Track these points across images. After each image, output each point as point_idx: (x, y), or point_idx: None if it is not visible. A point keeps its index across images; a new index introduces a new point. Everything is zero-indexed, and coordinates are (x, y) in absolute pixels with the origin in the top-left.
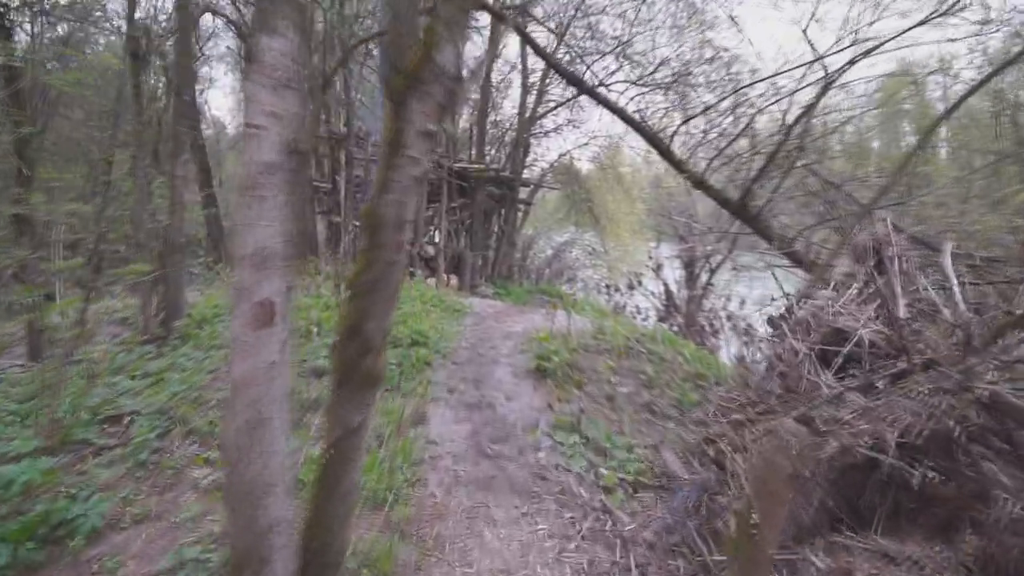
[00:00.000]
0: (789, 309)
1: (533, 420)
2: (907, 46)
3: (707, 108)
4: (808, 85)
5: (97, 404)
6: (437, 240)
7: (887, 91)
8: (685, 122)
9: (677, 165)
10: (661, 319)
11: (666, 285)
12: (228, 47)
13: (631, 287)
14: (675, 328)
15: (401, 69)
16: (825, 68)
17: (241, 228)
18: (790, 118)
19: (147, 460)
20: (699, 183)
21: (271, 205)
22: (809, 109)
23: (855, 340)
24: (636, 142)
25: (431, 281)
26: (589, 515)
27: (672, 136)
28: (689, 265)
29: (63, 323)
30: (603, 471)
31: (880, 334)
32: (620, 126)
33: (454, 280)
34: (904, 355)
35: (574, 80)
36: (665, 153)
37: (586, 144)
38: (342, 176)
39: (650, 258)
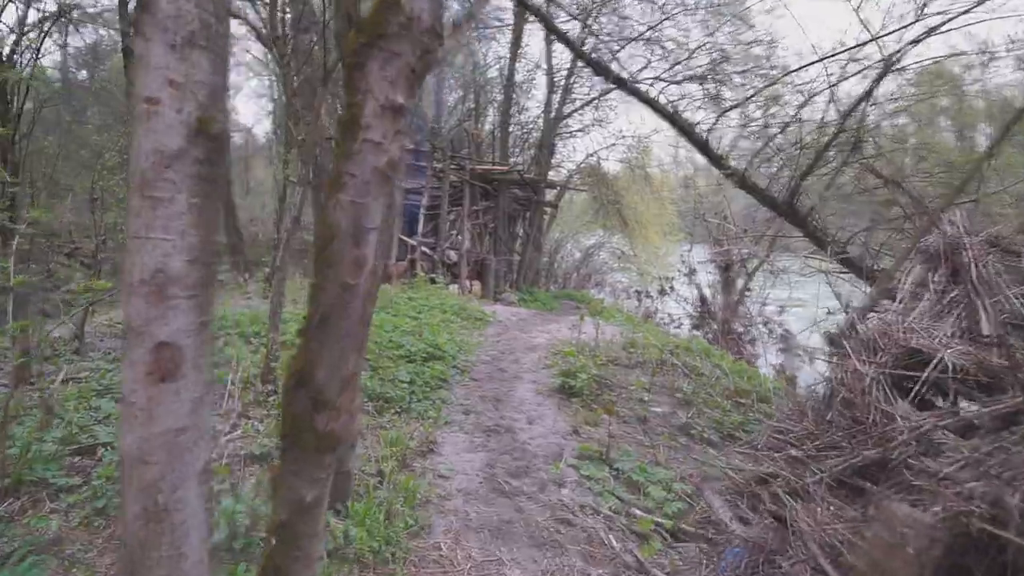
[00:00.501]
0: (850, 324)
1: (557, 448)
2: (979, 21)
3: (748, 98)
4: (865, 69)
5: (65, 435)
6: (460, 245)
7: (943, 78)
8: (725, 112)
9: (717, 161)
10: (695, 327)
11: (700, 291)
12: (250, 52)
13: (662, 293)
14: (710, 336)
15: (357, 20)
16: (882, 50)
17: (131, 243)
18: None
19: (108, 506)
20: (742, 181)
21: (171, 210)
22: (866, 95)
23: (937, 364)
24: (667, 141)
25: (454, 288)
26: (621, 575)
27: (709, 130)
28: (724, 269)
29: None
30: (636, 512)
31: (968, 356)
32: (649, 125)
33: (477, 286)
34: (1019, 387)
35: (602, 70)
36: (703, 148)
37: (614, 145)
38: None
39: (683, 262)
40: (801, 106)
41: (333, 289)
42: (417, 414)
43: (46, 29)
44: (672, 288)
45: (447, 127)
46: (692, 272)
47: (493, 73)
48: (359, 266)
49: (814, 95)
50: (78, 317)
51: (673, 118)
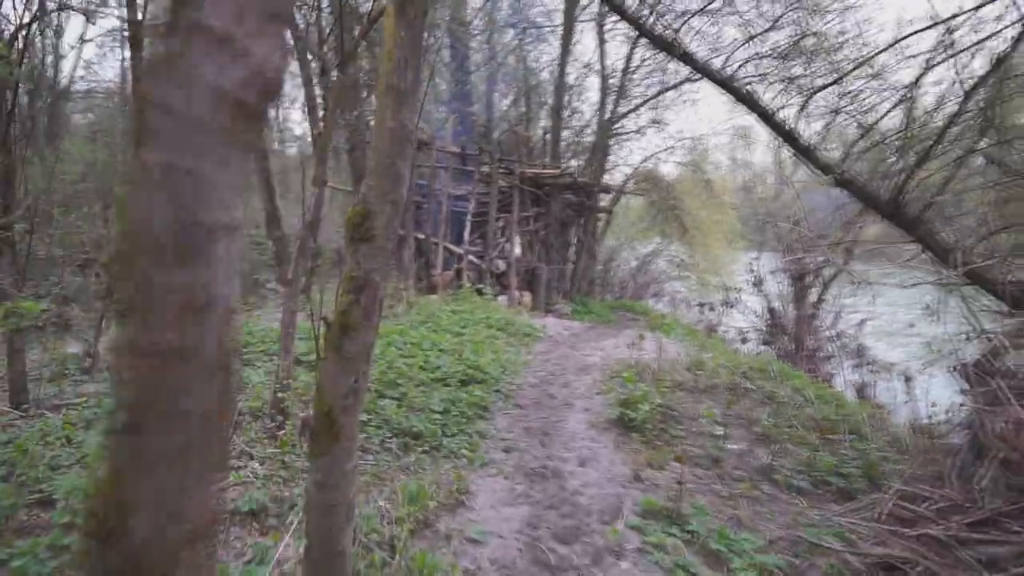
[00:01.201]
0: (992, 354)
1: (614, 501)
2: None
3: (843, 76)
4: (1000, 30)
5: (30, 477)
6: (509, 253)
7: None
8: (816, 92)
9: (805, 153)
10: (765, 342)
11: (769, 302)
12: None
13: (728, 304)
14: (781, 353)
15: None
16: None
17: None
18: (964, 84)
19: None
20: (839, 177)
21: None
22: (997, 66)
23: None
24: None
25: (502, 299)
26: None
27: (801, 111)
28: (798, 279)
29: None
30: None
31: None
32: (709, 124)
33: (527, 297)
34: None
35: (666, 45)
36: (788, 138)
37: (671, 147)
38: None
39: (750, 271)
40: (916, 80)
41: (144, 360)
42: (449, 452)
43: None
44: (739, 299)
45: (497, 130)
46: (760, 282)
47: (545, 76)
48: (192, 310)
49: (928, 69)
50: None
51: (750, 101)
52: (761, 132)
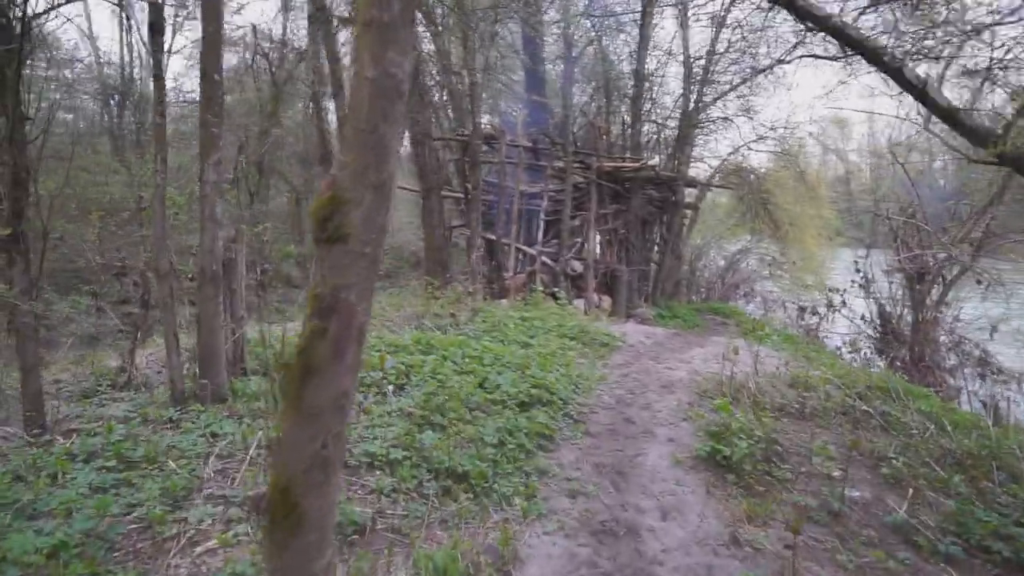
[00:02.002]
0: None
1: (705, 573)
2: None
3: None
4: None
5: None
6: (586, 254)
7: None
8: (967, 38)
9: (950, 117)
10: (879, 351)
11: (881, 306)
12: None
13: (831, 307)
14: (896, 363)
15: None
16: None
17: None
18: None
19: None
20: (1005, 149)
21: None
22: None
23: None
24: (819, 130)
25: (579, 303)
26: None
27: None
28: (916, 279)
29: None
30: None
31: None
32: (802, 112)
33: (607, 301)
34: None
35: None
36: (926, 99)
37: (762, 137)
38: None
39: (857, 270)
40: None
41: None
42: (500, 498)
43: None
44: (844, 302)
45: (574, 124)
46: (869, 282)
47: (624, 68)
48: None
49: None
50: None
51: (878, 57)
52: (858, 120)
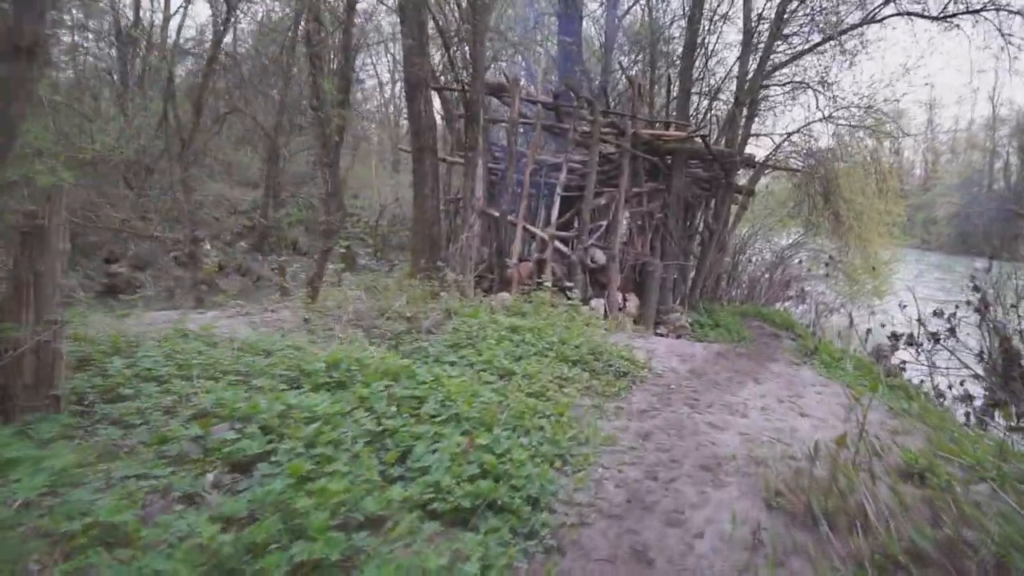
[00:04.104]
0: None
1: None
2: None
3: None
4: None
5: None
6: (611, 242)
7: None
8: None
9: None
10: (991, 403)
11: (1003, 337)
12: None
13: (934, 339)
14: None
15: None
16: None
17: None
18: None
19: None
20: None
21: None
22: None
23: None
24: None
25: (597, 304)
26: None
27: None
28: None
29: None
30: None
31: None
32: (888, 87)
33: (633, 303)
34: None
35: None
36: None
37: (832, 115)
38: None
39: (975, 288)
40: None
41: None
42: None
43: None
44: (953, 331)
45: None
46: (986, 305)
47: (675, 32)
48: None
49: None
50: None
51: None
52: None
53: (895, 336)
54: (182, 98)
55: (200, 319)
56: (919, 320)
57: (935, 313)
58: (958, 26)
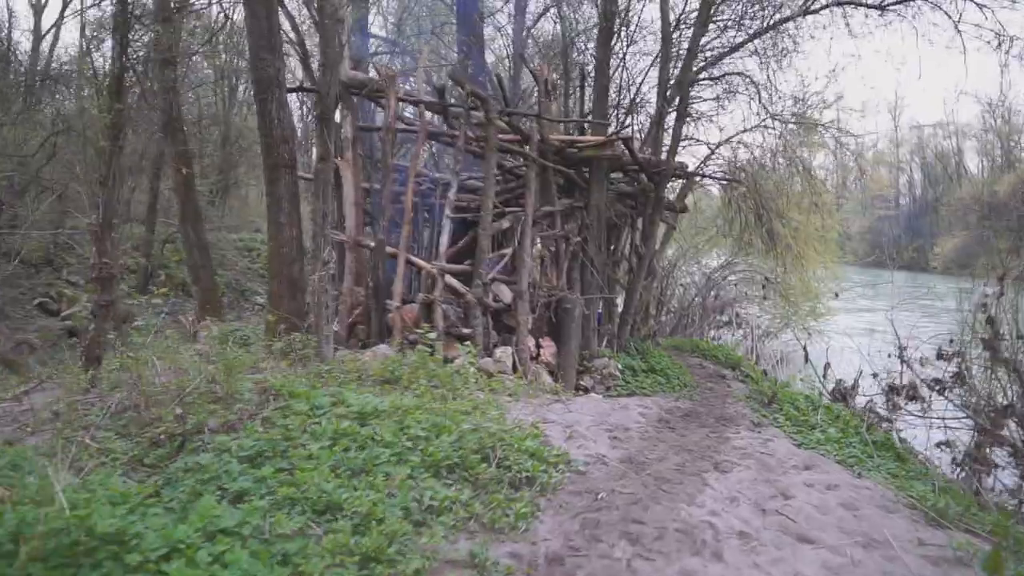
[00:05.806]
0: None
1: None
2: None
3: None
4: None
5: None
6: (518, 275)
7: None
8: None
9: None
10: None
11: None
12: None
13: (938, 387)
14: None
15: None
16: None
17: None
18: None
19: None
20: None
21: None
22: None
23: None
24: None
25: (503, 354)
26: None
27: None
28: None
29: None
30: None
31: None
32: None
33: (549, 350)
34: None
35: None
36: None
37: (765, 122)
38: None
39: (989, 320)
40: None
41: None
42: None
43: None
44: (963, 378)
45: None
46: (997, 332)
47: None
48: None
49: None
50: None
51: None
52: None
53: (894, 390)
54: None
55: None
56: (902, 357)
57: (939, 355)
58: (902, 16)
